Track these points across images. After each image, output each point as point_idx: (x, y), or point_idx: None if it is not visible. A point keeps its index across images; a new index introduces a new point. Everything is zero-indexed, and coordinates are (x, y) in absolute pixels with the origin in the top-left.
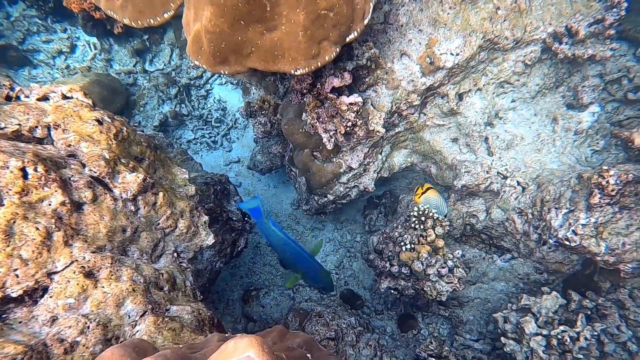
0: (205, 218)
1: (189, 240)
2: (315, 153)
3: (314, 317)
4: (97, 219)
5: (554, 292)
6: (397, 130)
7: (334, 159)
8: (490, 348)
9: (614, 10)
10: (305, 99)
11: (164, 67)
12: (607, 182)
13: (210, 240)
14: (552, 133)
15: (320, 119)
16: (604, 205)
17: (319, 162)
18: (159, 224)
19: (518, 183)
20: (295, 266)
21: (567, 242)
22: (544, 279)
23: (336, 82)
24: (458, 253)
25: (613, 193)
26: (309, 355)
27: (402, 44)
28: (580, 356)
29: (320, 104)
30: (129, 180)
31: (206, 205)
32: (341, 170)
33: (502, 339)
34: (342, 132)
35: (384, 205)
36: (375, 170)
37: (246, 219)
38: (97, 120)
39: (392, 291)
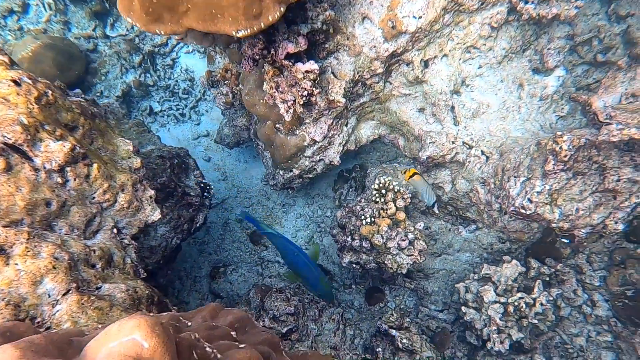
0: (151, 192)
1: (132, 216)
2: (277, 125)
3: (274, 292)
4: (12, 191)
5: (514, 261)
6: (362, 101)
7: (297, 132)
8: (454, 317)
9: None
10: (259, 66)
11: (127, 32)
12: (561, 147)
13: (156, 215)
14: (517, 99)
15: (280, 89)
16: (558, 171)
17: (282, 135)
18: (94, 197)
19: (482, 152)
20: (297, 272)
21: (523, 210)
22: (506, 248)
23: (291, 48)
24: (420, 225)
25: (566, 159)
26: (233, 333)
27: (364, 5)
28: (535, 321)
29: (279, 72)
30: (53, 149)
31: (159, 179)
32: (305, 143)
33: (463, 308)
34: (300, 103)
35: (355, 179)
36: (340, 143)
37: (205, 194)
38: (14, 81)
39: (355, 265)
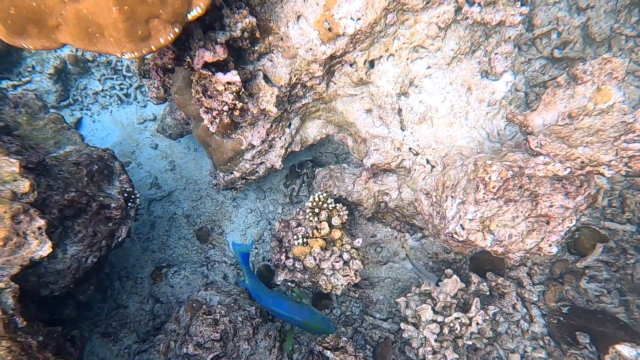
0: (40, 223)
1: (12, 253)
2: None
3: (201, 315)
4: None
5: (454, 276)
6: (304, 102)
7: (233, 135)
8: (397, 327)
9: None
10: (167, 77)
11: None
12: (490, 177)
13: (45, 250)
14: (465, 104)
15: (208, 93)
16: (488, 200)
17: (218, 138)
18: None
19: (427, 161)
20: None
21: (456, 236)
22: (451, 258)
23: (208, 57)
24: (358, 242)
25: (494, 190)
26: None
27: (297, 3)
28: (470, 342)
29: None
30: None
31: (67, 195)
32: (242, 147)
33: (402, 324)
34: (225, 112)
35: (307, 175)
36: (282, 146)
37: (129, 204)
38: None
39: (290, 283)
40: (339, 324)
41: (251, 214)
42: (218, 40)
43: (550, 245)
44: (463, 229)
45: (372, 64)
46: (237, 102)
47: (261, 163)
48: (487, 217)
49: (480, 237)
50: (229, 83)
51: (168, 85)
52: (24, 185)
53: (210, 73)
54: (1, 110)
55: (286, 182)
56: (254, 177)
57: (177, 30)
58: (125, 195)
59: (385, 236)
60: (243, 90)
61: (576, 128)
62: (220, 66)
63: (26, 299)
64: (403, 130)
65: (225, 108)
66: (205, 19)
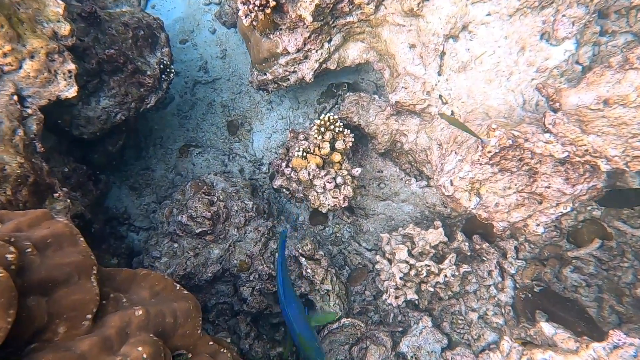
0: (71, 67)
1: (41, 87)
2: (254, 22)
3: (201, 193)
4: None
5: (440, 229)
6: (348, 20)
7: (271, 36)
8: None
9: None
10: None
11: None
12: (489, 141)
13: (71, 92)
14: (513, 64)
15: None
16: (483, 164)
17: (258, 35)
18: None
19: (452, 113)
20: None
21: (443, 190)
22: (447, 212)
23: None
24: (356, 171)
25: (489, 154)
26: (29, 249)
27: None
28: (432, 289)
29: None
30: None
31: (108, 51)
32: (278, 50)
33: (378, 256)
34: (257, 7)
35: (340, 97)
36: (317, 60)
37: (163, 76)
38: None
39: (285, 190)
40: (328, 242)
41: (281, 121)
42: None
43: (537, 225)
44: (452, 184)
45: None
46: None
47: (294, 72)
48: (477, 180)
49: (466, 197)
50: None
51: None
52: (65, 28)
53: None
54: None
55: (320, 98)
56: (285, 84)
57: None
58: (162, 67)
59: (392, 175)
60: None
61: (604, 116)
62: None
63: (61, 136)
64: (439, 75)
65: (258, 2)
66: None
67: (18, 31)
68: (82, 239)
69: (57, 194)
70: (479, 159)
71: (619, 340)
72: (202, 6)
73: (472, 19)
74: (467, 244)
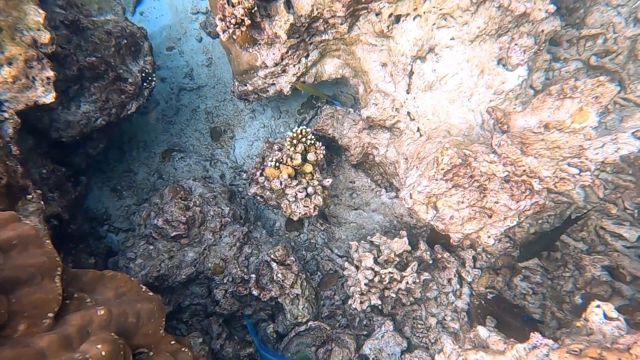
0: (50, 74)
1: (19, 92)
2: (233, 37)
3: (177, 198)
4: None
5: (405, 239)
6: (324, 37)
7: (251, 50)
8: None
9: None
10: None
11: None
12: (442, 159)
13: (48, 98)
14: (473, 86)
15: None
16: (439, 179)
17: (238, 48)
18: None
19: (418, 129)
20: None
21: (404, 202)
22: (413, 223)
23: None
24: (327, 182)
25: (442, 171)
26: None
27: None
28: (393, 295)
29: None
30: None
31: (89, 58)
32: (257, 63)
33: (346, 263)
34: (232, 25)
35: (320, 109)
36: (294, 74)
37: (145, 84)
38: None
39: (259, 197)
40: (302, 248)
41: (263, 129)
42: None
43: (488, 237)
44: (411, 197)
45: (397, 19)
46: (245, 18)
47: (272, 84)
48: (434, 194)
49: (424, 209)
50: None
51: None
52: (45, 36)
53: None
54: None
55: (300, 109)
56: (264, 95)
57: None
58: (144, 74)
59: (363, 185)
60: (257, 9)
61: (543, 139)
62: None
63: (39, 138)
64: (408, 93)
65: (233, 21)
66: None
67: None
68: (48, 240)
69: (31, 196)
70: (434, 175)
71: (537, 341)
72: (190, 15)
73: (437, 42)
74: (429, 253)
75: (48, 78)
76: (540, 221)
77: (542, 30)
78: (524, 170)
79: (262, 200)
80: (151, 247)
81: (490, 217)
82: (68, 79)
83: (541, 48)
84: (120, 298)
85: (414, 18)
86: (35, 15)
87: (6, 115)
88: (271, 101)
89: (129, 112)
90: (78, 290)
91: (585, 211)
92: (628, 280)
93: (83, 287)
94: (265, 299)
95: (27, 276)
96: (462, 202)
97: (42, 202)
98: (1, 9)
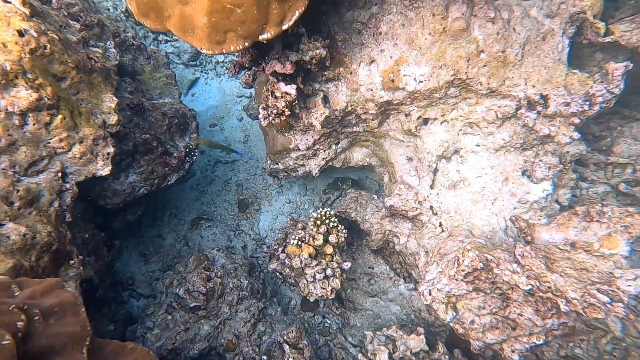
0: (110, 150)
1: (83, 165)
2: (273, 122)
3: (200, 268)
4: None
5: (422, 336)
6: (355, 129)
7: (286, 134)
8: None
9: (597, 102)
10: (243, 72)
11: None
12: (463, 261)
13: (105, 171)
14: (497, 191)
15: (273, 94)
16: (459, 280)
17: (275, 131)
18: (49, 142)
19: (440, 224)
20: None
21: (422, 298)
22: (431, 320)
23: (278, 67)
24: (346, 265)
25: (463, 273)
26: (37, 317)
27: (374, 50)
28: None
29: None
30: (21, 96)
31: (143, 135)
32: (290, 146)
33: (360, 354)
34: (273, 114)
35: (345, 191)
36: (324, 158)
37: (187, 158)
38: (19, 31)
39: (278, 274)
40: (316, 331)
41: (288, 204)
42: (290, 58)
43: (512, 352)
44: (430, 294)
45: (425, 120)
46: (286, 109)
47: (302, 165)
48: (454, 295)
49: (443, 309)
50: (286, 93)
51: (257, 76)
52: (114, 119)
53: (275, 80)
54: (137, 58)
55: (326, 189)
56: (294, 174)
57: (247, 44)
58: (188, 150)
59: (382, 272)
60: (297, 102)
61: (569, 257)
62: (288, 77)
63: (88, 204)
64: (432, 188)
65: (275, 111)
66: (289, 39)
67: (76, 121)
68: (83, 308)
69: (73, 261)
70: (455, 275)
71: None
72: (235, 97)
73: (463, 146)
74: (447, 356)
75: (108, 153)
76: (572, 344)
77: (568, 152)
78: (549, 287)
79: (280, 276)
80: (169, 317)
81: (514, 329)
82: (123, 152)
83: (567, 167)
84: None
85: (442, 122)
86: (110, 102)
87: (68, 185)
88: (299, 178)
89: (169, 183)
90: None
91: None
92: None
93: (105, 358)
94: None
95: (60, 345)
96: (484, 308)
97: (81, 268)
98: (85, 97)
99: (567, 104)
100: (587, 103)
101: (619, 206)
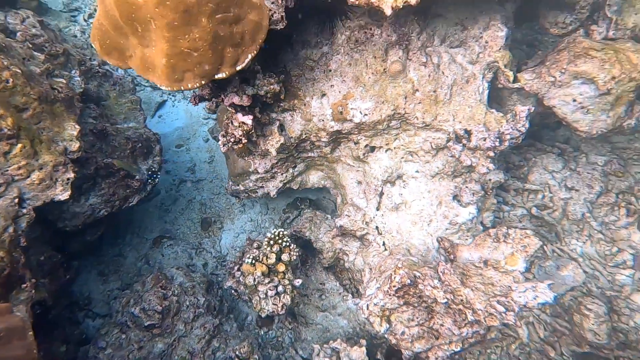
0: (71, 175)
1: (42, 191)
2: (233, 147)
3: (157, 287)
4: None
5: (363, 348)
6: (310, 155)
7: (246, 158)
8: None
9: (507, 139)
10: (202, 103)
11: None
12: (394, 277)
13: (64, 195)
14: (432, 214)
15: (232, 123)
16: (392, 295)
17: (236, 155)
18: (7, 170)
19: (384, 244)
20: None
21: (360, 311)
22: (374, 332)
23: (236, 100)
24: (297, 282)
25: (394, 289)
26: None
27: (325, 85)
28: None
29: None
30: None
31: (105, 160)
32: (250, 169)
33: None
34: (231, 142)
35: (303, 211)
36: (282, 181)
37: (149, 180)
38: None
39: (233, 291)
40: (269, 345)
41: (250, 223)
42: (246, 92)
43: (436, 358)
44: (367, 308)
45: (372, 148)
46: (243, 138)
47: (261, 187)
48: (387, 308)
49: (378, 322)
50: (243, 122)
51: (219, 104)
52: (75, 145)
53: (234, 110)
54: (103, 84)
55: (285, 209)
56: (254, 195)
57: (203, 82)
58: (150, 172)
59: (332, 288)
60: (254, 130)
61: (481, 274)
62: (246, 108)
63: (46, 227)
64: (377, 210)
65: (232, 139)
66: (245, 74)
67: (36, 149)
68: (30, 332)
69: (25, 285)
70: (388, 290)
71: None
72: (201, 119)
73: (404, 172)
74: None
75: (68, 179)
76: (489, 350)
77: (490, 179)
78: (462, 300)
79: (235, 293)
80: (123, 335)
81: (437, 338)
82: (84, 176)
83: (489, 193)
84: None
85: (386, 150)
86: (72, 130)
87: (24, 211)
88: (261, 199)
89: (130, 204)
90: None
91: None
92: None
93: None
94: None
95: None
96: (412, 320)
97: (34, 291)
98: (47, 126)
99: (484, 139)
100: (498, 140)
101: (522, 228)
